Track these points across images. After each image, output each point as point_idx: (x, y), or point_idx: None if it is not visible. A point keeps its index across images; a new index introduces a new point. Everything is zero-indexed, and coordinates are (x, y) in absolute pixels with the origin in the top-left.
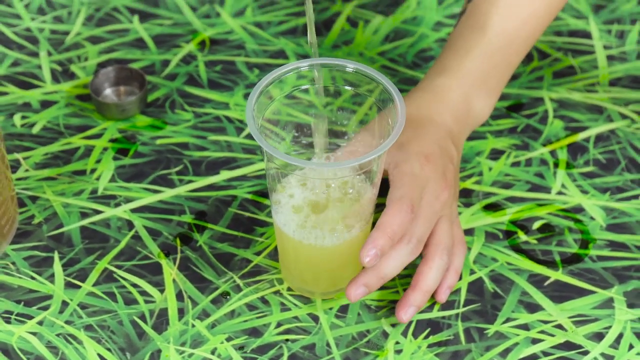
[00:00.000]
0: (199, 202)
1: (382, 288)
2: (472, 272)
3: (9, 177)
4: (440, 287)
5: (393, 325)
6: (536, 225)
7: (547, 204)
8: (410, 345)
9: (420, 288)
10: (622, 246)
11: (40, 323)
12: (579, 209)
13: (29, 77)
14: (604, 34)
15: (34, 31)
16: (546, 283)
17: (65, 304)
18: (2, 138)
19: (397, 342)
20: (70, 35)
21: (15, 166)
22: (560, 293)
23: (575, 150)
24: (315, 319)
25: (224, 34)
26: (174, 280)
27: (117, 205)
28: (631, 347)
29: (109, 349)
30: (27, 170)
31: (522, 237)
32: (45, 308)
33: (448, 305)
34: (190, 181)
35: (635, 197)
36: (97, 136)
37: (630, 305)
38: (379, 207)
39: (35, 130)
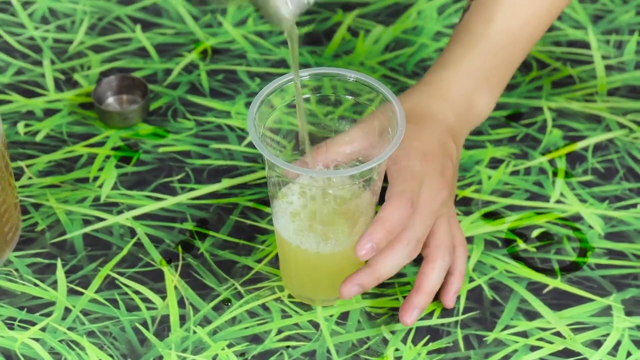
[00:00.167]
0: (200, 210)
1: (382, 295)
2: (471, 279)
3: (13, 185)
4: (446, 293)
5: (393, 332)
6: (535, 233)
7: (546, 213)
8: (410, 352)
9: (424, 290)
10: (620, 254)
11: (43, 329)
12: (577, 218)
13: (32, 85)
14: (602, 44)
15: (37, 40)
16: (545, 291)
17: (67, 310)
18: (6, 146)
19: (397, 349)
20: (74, 44)
21: (18, 174)
22: (559, 301)
23: (574, 159)
24: (316, 325)
25: (225, 44)
26: (175, 287)
27: (120, 212)
28: (629, 354)
29: (111, 355)
30: (30, 178)
31: (521, 245)
32: (48, 314)
33: (447, 312)
34: (192, 189)
35: (633, 205)
36: (100, 144)
37: (628, 313)
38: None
39: (39, 138)
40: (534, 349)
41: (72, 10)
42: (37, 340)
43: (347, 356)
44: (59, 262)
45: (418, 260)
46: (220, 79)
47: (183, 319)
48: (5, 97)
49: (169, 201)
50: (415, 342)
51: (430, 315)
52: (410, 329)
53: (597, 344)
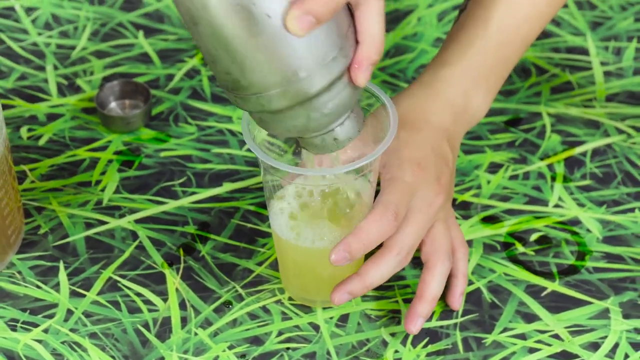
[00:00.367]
0: (202, 214)
1: (382, 298)
2: (470, 282)
3: (16, 188)
4: (452, 295)
5: (392, 335)
6: (533, 237)
7: (545, 217)
8: (409, 354)
9: (426, 298)
10: (617, 258)
11: (45, 331)
12: (575, 222)
13: (35, 90)
14: (601, 51)
15: (40, 46)
16: (543, 294)
17: (70, 312)
18: (9, 150)
19: (397, 351)
20: (76, 49)
21: (21, 177)
22: (557, 304)
23: (572, 164)
24: (316, 327)
25: None
26: (177, 290)
27: (122, 216)
28: (626, 356)
29: (112, 357)
30: (33, 182)
31: (520, 248)
32: (51, 316)
33: (446, 315)
34: (193, 193)
35: (631, 210)
36: (102, 148)
37: (626, 316)
38: None
39: (42, 142)
40: (532, 351)
41: (75, 16)
42: (39, 341)
43: (347, 358)
44: (61, 265)
45: (418, 264)
46: None
47: (184, 321)
48: (8, 102)
49: (171, 205)
50: (414, 344)
51: (429, 317)
52: None
53: (594, 347)
